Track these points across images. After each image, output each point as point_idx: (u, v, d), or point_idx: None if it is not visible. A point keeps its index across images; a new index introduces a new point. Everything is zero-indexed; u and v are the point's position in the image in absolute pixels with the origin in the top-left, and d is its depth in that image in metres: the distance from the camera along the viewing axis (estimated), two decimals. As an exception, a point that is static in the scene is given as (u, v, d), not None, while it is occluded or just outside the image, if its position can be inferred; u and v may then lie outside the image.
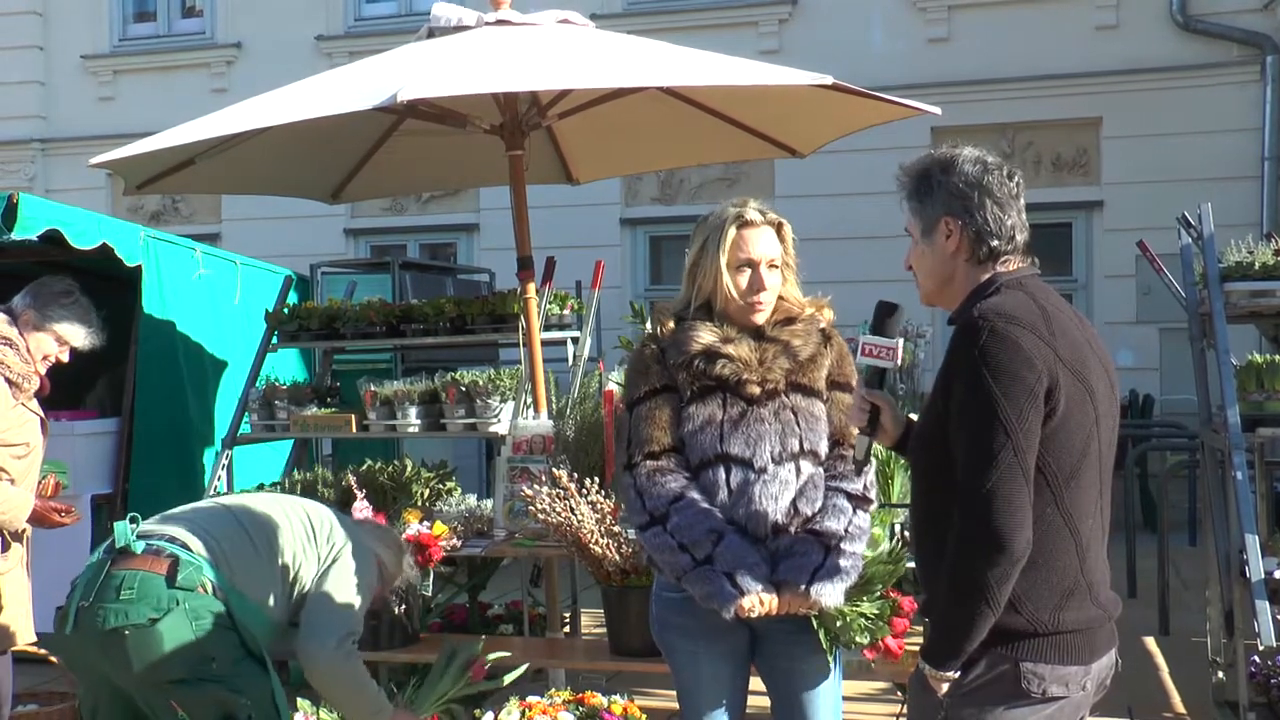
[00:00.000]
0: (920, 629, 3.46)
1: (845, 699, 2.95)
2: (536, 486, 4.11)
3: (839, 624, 2.97)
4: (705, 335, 2.74)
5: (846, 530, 2.71)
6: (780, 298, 2.81)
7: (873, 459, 2.78)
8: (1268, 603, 4.13)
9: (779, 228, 2.81)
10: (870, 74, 8.16)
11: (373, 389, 5.23)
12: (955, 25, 10.42)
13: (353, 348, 6.01)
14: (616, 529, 3.96)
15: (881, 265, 8.77)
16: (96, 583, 3.00)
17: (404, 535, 4.17)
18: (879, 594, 3.44)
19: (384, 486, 5.08)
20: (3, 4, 12.28)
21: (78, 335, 3.89)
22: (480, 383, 5.07)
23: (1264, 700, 4.47)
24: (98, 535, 5.72)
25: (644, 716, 4.00)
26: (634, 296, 10.23)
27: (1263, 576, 4.20)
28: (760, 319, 2.78)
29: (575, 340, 5.28)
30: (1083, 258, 10.30)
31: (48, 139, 12.47)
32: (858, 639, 3.15)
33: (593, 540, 3.93)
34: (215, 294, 6.47)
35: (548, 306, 5.19)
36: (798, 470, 2.71)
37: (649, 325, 2.94)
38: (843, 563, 2.68)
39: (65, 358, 3.92)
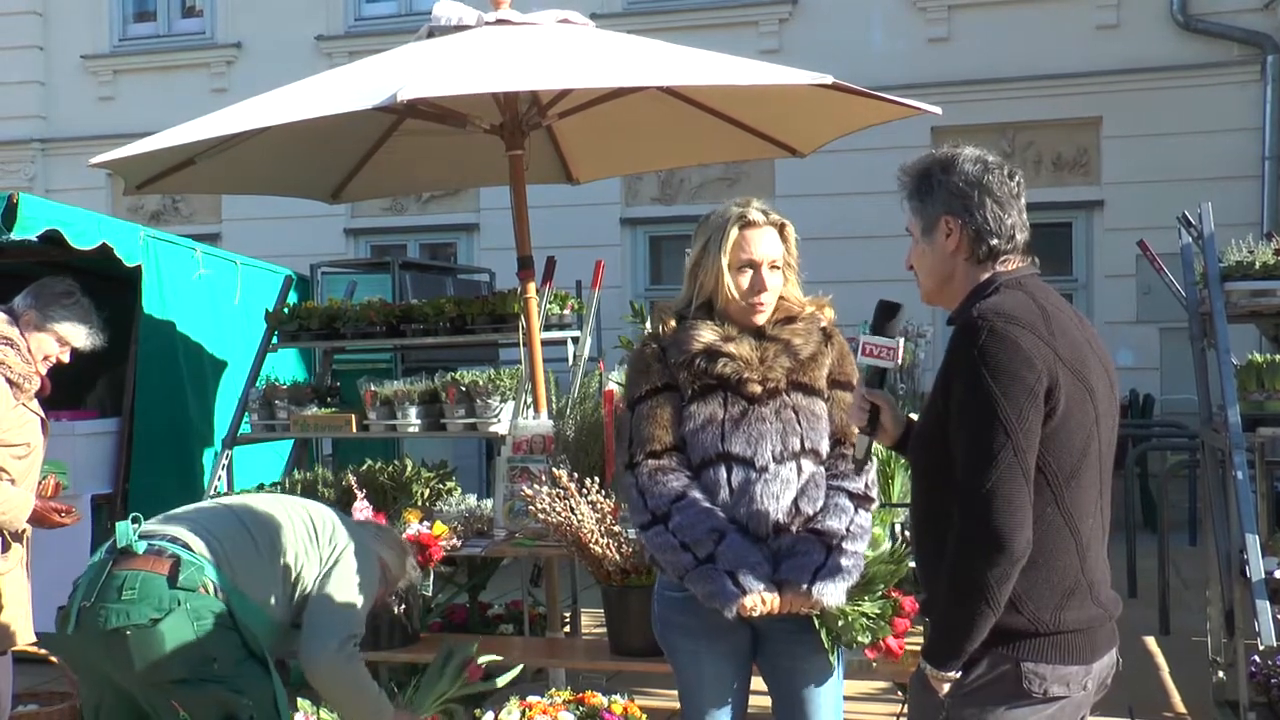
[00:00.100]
0: (921, 629, 3.46)
1: (845, 698, 2.95)
2: (537, 486, 4.11)
3: (841, 623, 2.97)
4: (706, 334, 2.74)
5: (848, 529, 2.71)
6: (781, 298, 2.81)
7: (874, 458, 2.78)
8: (1268, 602, 4.13)
9: (781, 228, 2.81)
10: (870, 74, 8.16)
11: (373, 389, 5.23)
12: (955, 25, 10.42)
13: (353, 347, 6.01)
14: (616, 529, 3.96)
15: (881, 265, 8.77)
16: (98, 583, 3.00)
17: (404, 535, 4.17)
18: (881, 593, 3.45)
19: (384, 486, 5.08)
20: (3, 4, 12.28)
21: (79, 336, 3.89)
22: (480, 383, 5.07)
23: (1264, 700, 4.47)
24: (98, 535, 5.72)
25: (644, 716, 4.00)
26: (634, 296, 10.23)
27: (1263, 576, 4.20)
28: (761, 319, 2.78)
29: (575, 340, 5.29)
30: (1083, 257, 10.29)
31: (48, 139, 12.47)
32: (859, 638, 3.16)
33: (593, 540, 3.93)
34: (215, 294, 6.47)
35: (548, 306, 5.19)
36: (799, 469, 2.71)
37: (650, 324, 2.94)
38: (844, 562, 2.68)
39: (66, 358, 3.92)
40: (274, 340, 5.81)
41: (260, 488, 5.43)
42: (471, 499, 5.08)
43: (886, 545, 3.64)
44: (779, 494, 2.68)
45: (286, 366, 6.59)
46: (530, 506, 4.05)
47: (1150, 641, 6.04)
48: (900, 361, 2.48)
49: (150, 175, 5.05)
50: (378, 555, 3.48)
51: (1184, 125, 9.71)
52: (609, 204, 10.91)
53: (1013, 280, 2.26)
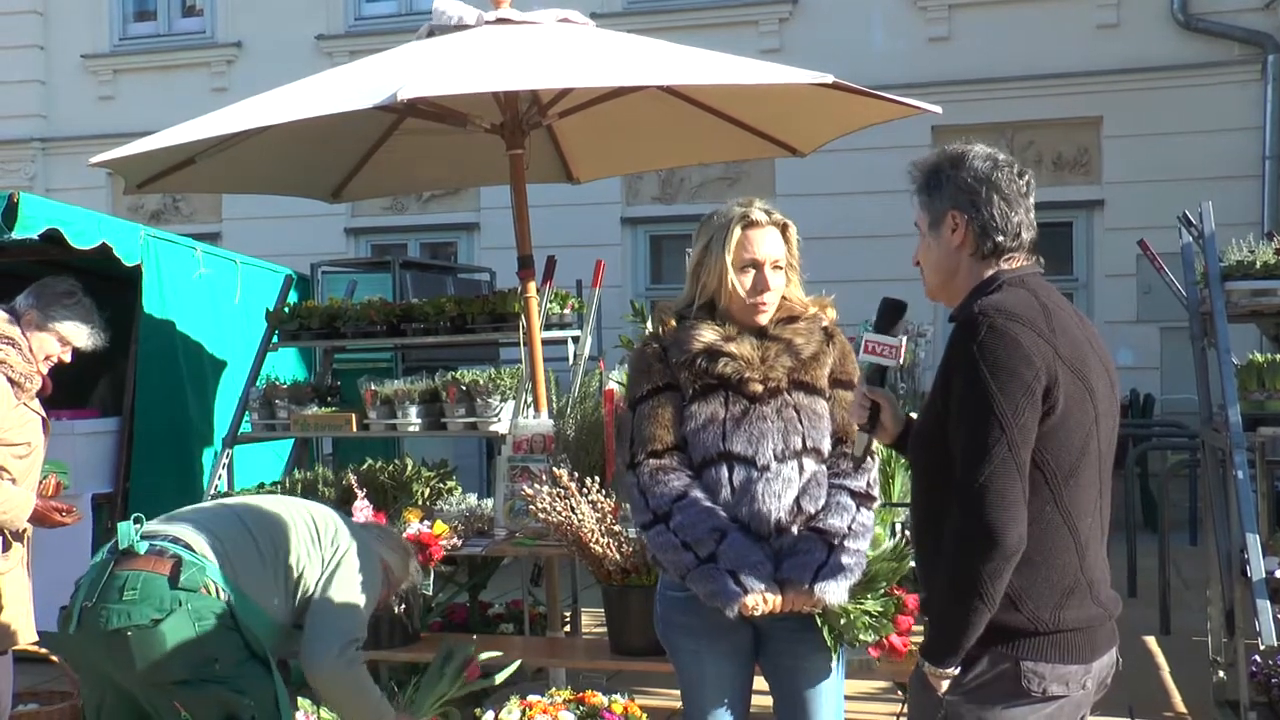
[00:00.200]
0: (924, 627, 3.46)
1: (846, 698, 2.95)
2: (537, 486, 4.11)
3: (843, 622, 2.97)
4: (707, 334, 2.74)
5: (850, 528, 2.71)
6: (783, 297, 2.81)
7: (875, 456, 2.78)
8: (1269, 602, 4.13)
9: (784, 229, 2.81)
10: (871, 73, 8.16)
11: (373, 388, 5.23)
12: (956, 24, 10.42)
13: (353, 347, 6.01)
14: (617, 528, 3.96)
15: (882, 264, 8.78)
16: (100, 583, 3.00)
17: (404, 534, 4.17)
18: (883, 591, 3.45)
19: (384, 486, 5.07)
20: (3, 3, 12.27)
21: (80, 335, 3.89)
22: (481, 382, 5.07)
23: (1265, 700, 4.47)
24: (98, 535, 5.73)
25: (644, 715, 4.00)
26: (634, 295, 10.22)
27: (1264, 576, 4.20)
28: (763, 319, 2.78)
29: (576, 339, 5.28)
30: (1083, 257, 10.30)
31: (48, 138, 12.47)
32: (862, 637, 3.16)
33: (593, 539, 3.93)
34: (215, 293, 6.47)
35: (548, 306, 5.19)
36: (800, 468, 2.71)
37: (651, 324, 2.94)
38: (846, 560, 2.68)
39: (68, 358, 3.92)
40: (274, 339, 5.81)
41: (261, 487, 5.44)
42: (472, 498, 5.08)
43: (889, 543, 3.64)
44: (780, 493, 2.68)
45: (287, 366, 6.59)
46: (531, 506, 4.06)
47: (1150, 641, 6.04)
48: (902, 360, 2.48)
49: (150, 174, 5.05)
50: (380, 557, 3.47)
51: (1185, 125, 9.71)
52: (609, 203, 10.91)
53: (1016, 278, 2.26)
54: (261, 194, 6.25)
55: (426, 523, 4.41)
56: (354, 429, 5.29)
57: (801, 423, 2.73)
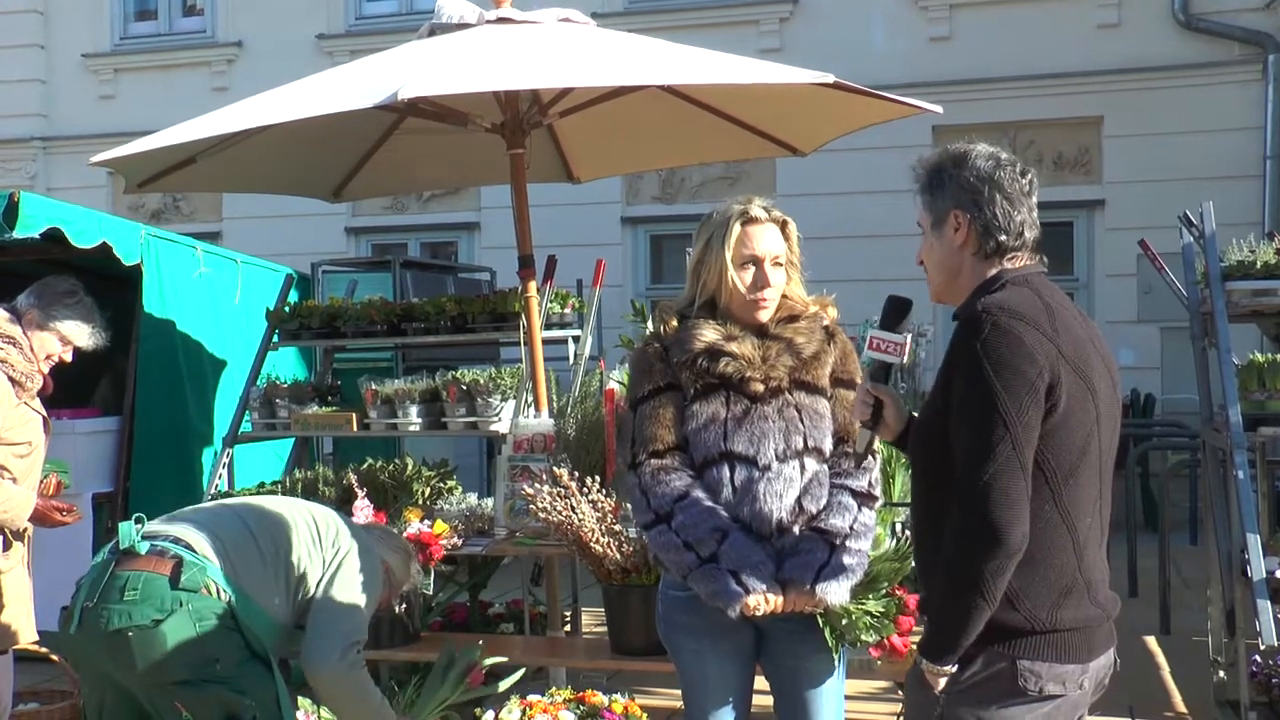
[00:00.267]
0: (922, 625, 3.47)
1: (846, 698, 2.94)
2: (537, 485, 4.11)
3: (844, 622, 2.97)
4: (708, 333, 2.74)
5: (851, 528, 2.70)
6: (784, 296, 2.81)
7: (877, 455, 2.78)
8: (1269, 602, 4.13)
9: (783, 225, 2.81)
10: (871, 72, 8.17)
11: (374, 387, 5.23)
12: (956, 24, 10.41)
13: (354, 346, 6.01)
14: (617, 528, 3.96)
15: (883, 264, 8.78)
16: (101, 583, 3.00)
17: (405, 533, 4.17)
18: (885, 591, 3.45)
19: (385, 485, 5.07)
20: (3, 2, 12.27)
21: (81, 335, 3.90)
22: (481, 381, 5.07)
23: (1265, 700, 4.47)
24: (98, 534, 5.73)
25: (645, 715, 4.00)
26: (635, 295, 10.22)
27: (1264, 576, 4.20)
28: (764, 316, 2.78)
29: (576, 339, 5.29)
30: (1084, 257, 10.30)
31: (48, 137, 12.47)
32: (864, 637, 3.16)
33: (593, 539, 3.93)
34: (216, 292, 6.47)
35: (549, 305, 5.19)
36: (802, 468, 2.71)
37: (652, 324, 2.94)
38: (848, 560, 2.68)
39: (69, 357, 3.92)
40: (275, 339, 5.82)
41: (261, 486, 5.44)
42: (472, 498, 5.08)
43: (890, 543, 3.64)
44: (782, 493, 2.68)
45: (287, 365, 6.59)
46: (531, 505, 4.06)
47: (1151, 641, 6.03)
48: (906, 358, 2.48)
49: (151, 174, 5.05)
50: (381, 559, 3.47)
51: (1185, 124, 9.70)
52: (610, 203, 10.91)
53: (1019, 277, 2.26)
54: (262, 193, 6.25)
55: (427, 522, 4.41)
56: (354, 428, 5.29)
57: (803, 422, 2.72)
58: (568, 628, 5.07)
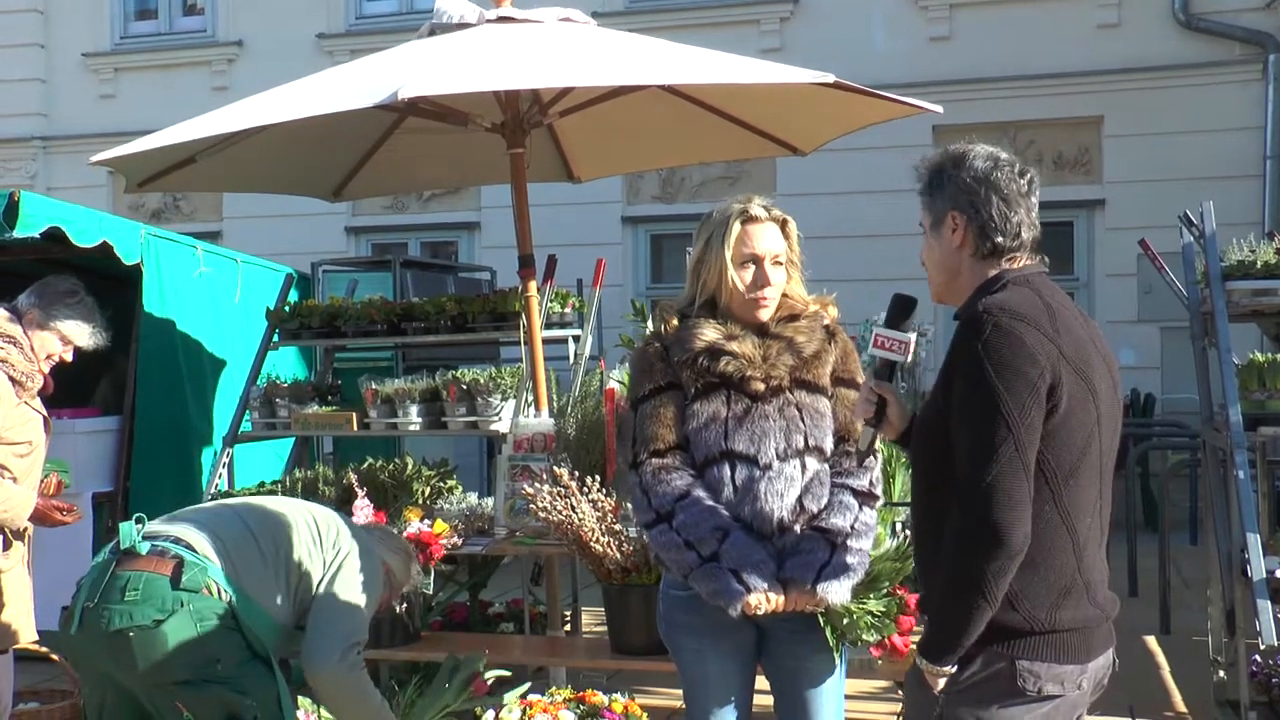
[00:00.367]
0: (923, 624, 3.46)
1: (846, 697, 2.94)
2: (537, 485, 4.11)
3: (846, 621, 2.97)
4: (709, 332, 2.74)
5: (853, 527, 2.70)
6: (785, 295, 2.81)
7: (878, 454, 2.78)
8: (1269, 602, 4.13)
9: (783, 224, 2.81)
10: (872, 72, 8.17)
11: (374, 387, 5.24)
12: (957, 23, 10.41)
13: (354, 346, 6.02)
14: (617, 527, 3.96)
15: (883, 263, 8.79)
16: (102, 583, 3.00)
17: (405, 533, 4.17)
18: (886, 591, 3.45)
19: (385, 485, 5.08)
20: (4, 2, 12.27)
21: (82, 335, 3.90)
22: (481, 381, 5.07)
23: (1265, 699, 4.47)
24: (99, 533, 5.73)
25: (645, 715, 4.00)
26: (635, 295, 10.22)
27: (1264, 575, 4.20)
28: (764, 315, 2.78)
29: (576, 338, 5.29)
30: (1084, 256, 10.30)
31: (49, 137, 12.47)
32: (865, 636, 3.16)
33: (594, 538, 3.93)
34: (216, 292, 6.47)
35: (549, 305, 5.19)
36: (803, 467, 2.71)
37: (652, 323, 2.94)
38: (849, 560, 2.68)
39: (69, 357, 3.92)
40: (275, 338, 5.82)
41: (261, 486, 5.44)
42: (472, 497, 5.08)
43: (891, 543, 3.64)
44: (783, 492, 2.68)
45: (287, 364, 6.59)
46: (531, 505, 4.06)
47: (1151, 641, 6.03)
48: (910, 357, 2.47)
49: (151, 173, 5.05)
50: (382, 560, 3.46)
51: (1185, 124, 9.70)
52: (610, 202, 10.91)
53: (1019, 277, 2.26)
54: (262, 193, 6.25)
55: (427, 521, 4.41)
56: (354, 428, 5.29)
57: (804, 421, 2.72)
58: (568, 627, 5.07)
